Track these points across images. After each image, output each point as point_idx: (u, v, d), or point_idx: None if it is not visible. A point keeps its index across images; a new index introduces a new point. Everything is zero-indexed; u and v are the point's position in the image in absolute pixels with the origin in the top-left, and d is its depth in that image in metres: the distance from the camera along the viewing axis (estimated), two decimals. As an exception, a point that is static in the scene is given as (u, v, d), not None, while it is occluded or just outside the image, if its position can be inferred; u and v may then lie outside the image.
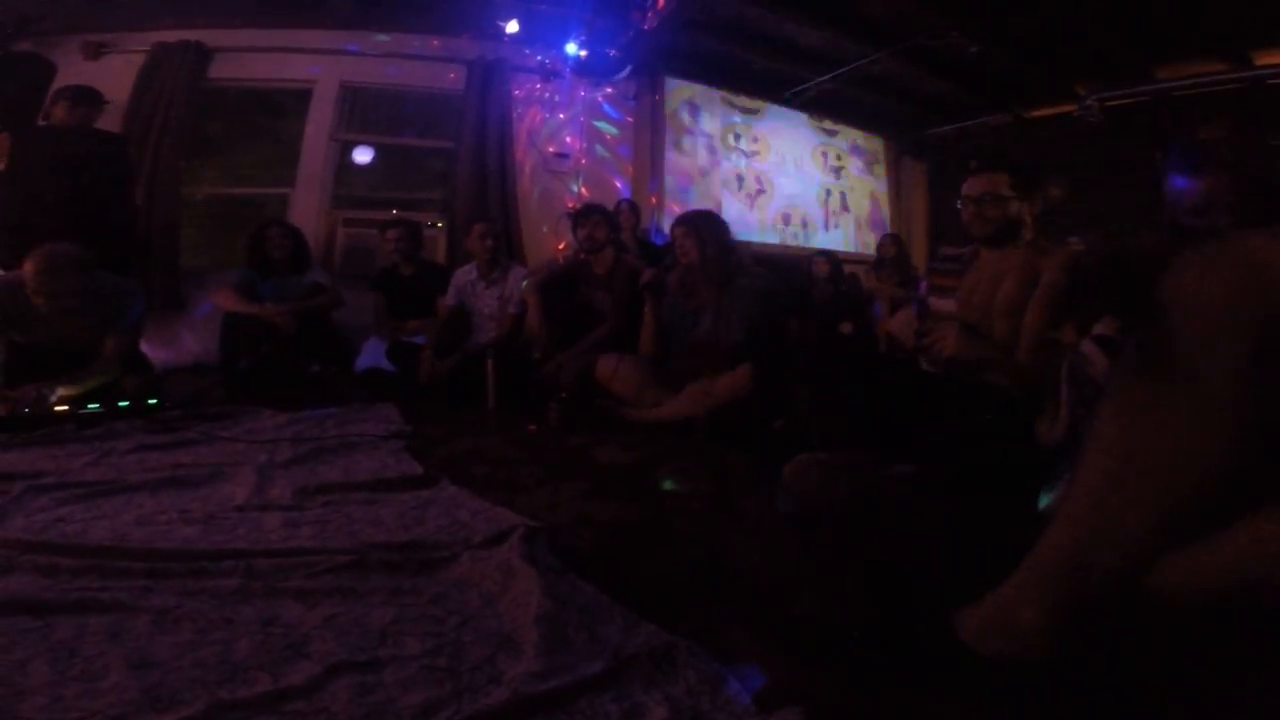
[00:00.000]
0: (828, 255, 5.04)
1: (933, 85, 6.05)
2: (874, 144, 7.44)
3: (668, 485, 1.87)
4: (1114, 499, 0.76)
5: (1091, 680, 0.84)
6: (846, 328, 4.42)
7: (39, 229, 2.89)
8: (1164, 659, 0.88)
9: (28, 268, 2.48)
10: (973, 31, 4.91)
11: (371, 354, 3.68)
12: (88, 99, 3.55)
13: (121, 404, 2.55)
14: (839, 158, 7.15)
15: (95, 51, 4.76)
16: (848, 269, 5.13)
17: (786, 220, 6.65)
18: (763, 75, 6.14)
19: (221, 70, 4.99)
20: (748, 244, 5.67)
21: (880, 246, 5.41)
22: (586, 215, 3.34)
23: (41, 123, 3.51)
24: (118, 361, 2.75)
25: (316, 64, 5.18)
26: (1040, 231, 1.98)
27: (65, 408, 2.44)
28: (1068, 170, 5.86)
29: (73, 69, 4.58)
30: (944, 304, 2.05)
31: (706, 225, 2.81)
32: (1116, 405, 0.75)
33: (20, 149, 3.24)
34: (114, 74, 4.58)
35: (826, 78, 5.95)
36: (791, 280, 5.15)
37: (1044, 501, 1.42)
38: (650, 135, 5.96)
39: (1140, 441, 0.73)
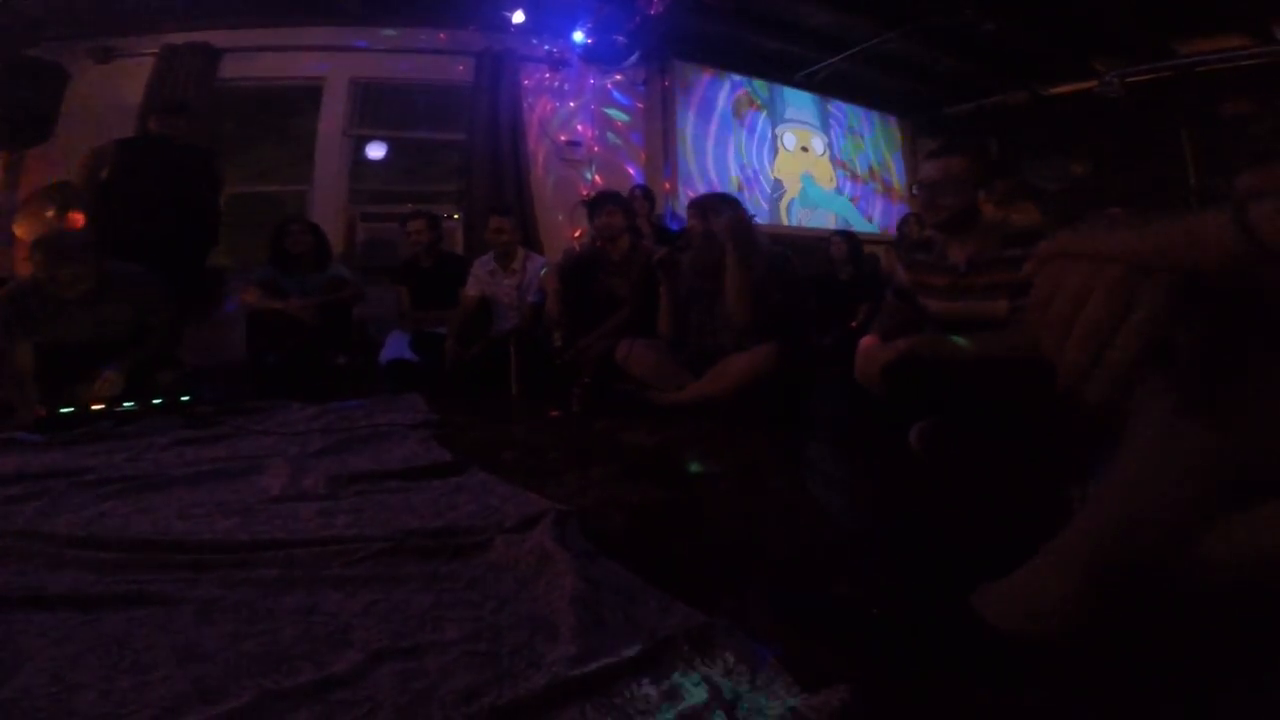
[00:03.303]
0: (845, 235, 4.99)
1: (948, 64, 5.97)
2: (887, 123, 7.36)
3: (695, 467, 1.87)
4: (1159, 481, 0.75)
5: (1114, 659, 0.83)
6: (863, 311, 4.38)
7: (138, 234, 3.06)
8: (1190, 641, 0.86)
9: (36, 258, 2.53)
10: (987, 9, 4.83)
11: (395, 346, 3.72)
12: (178, 110, 3.73)
13: (156, 401, 2.61)
14: (850, 138, 7.08)
15: (105, 56, 4.80)
16: (867, 249, 5.08)
17: (803, 201, 6.61)
18: (773, 57, 6.08)
19: (232, 70, 5.03)
20: (758, 223, 5.65)
21: (905, 225, 5.34)
22: (602, 203, 3.33)
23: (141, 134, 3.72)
24: (163, 337, 2.84)
25: (326, 61, 5.21)
26: (1001, 220, 1.88)
27: (102, 406, 2.50)
28: (1089, 147, 5.77)
29: (84, 74, 4.63)
30: (935, 304, 1.98)
31: (715, 207, 2.78)
32: (1172, 388, 0.74)
33: (122, 158, 3.41)
34: (125, 78, 4.63)
35: (839, 58, 5.89)
36: (810, 260, 5.12)
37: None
38: (661, 121, 5.94)
39: (1191, 427, 0.72)
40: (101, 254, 2.65)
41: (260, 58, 5.10)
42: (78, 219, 3.71)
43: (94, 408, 2.49)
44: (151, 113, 3.66)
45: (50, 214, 3.93)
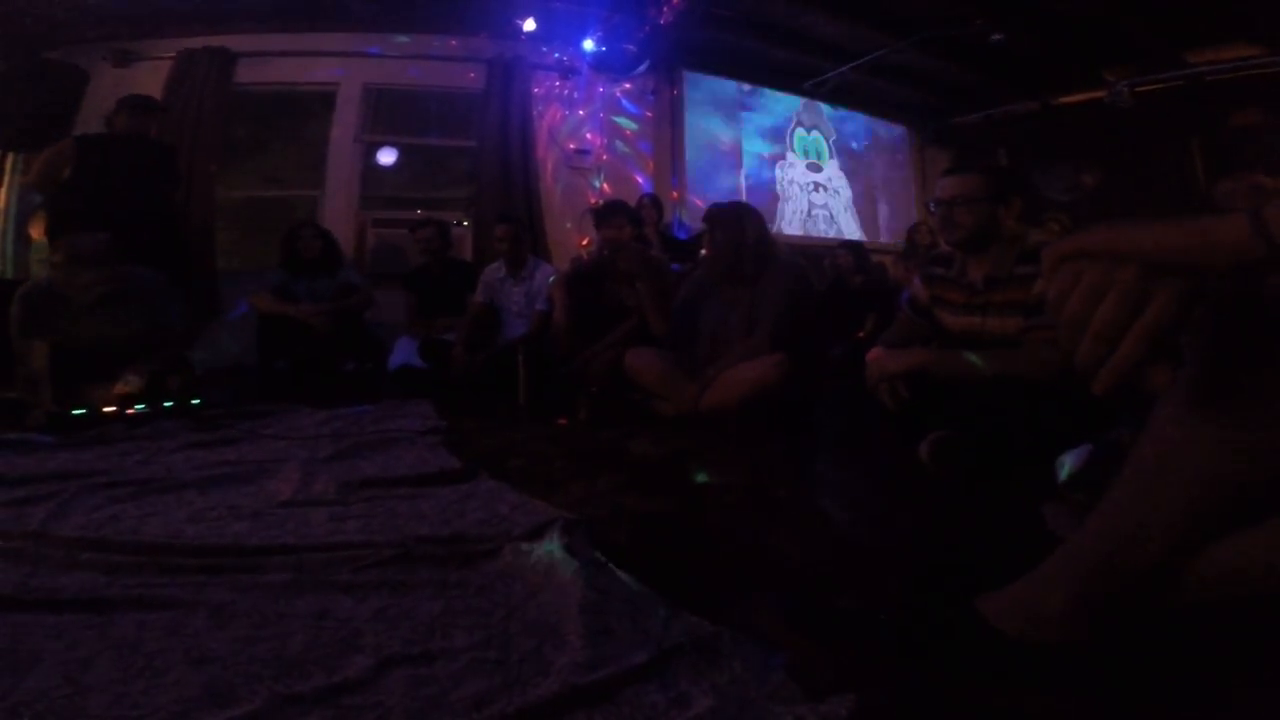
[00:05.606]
0: (850, 247, 4.98)
1: (957, 73, 5.98)
2: (896, 133, 7.36)
3: (701, 477, 1.87)
4: (1160, 494, 0.75)
5: (1118, 664, 0.84)
6: (871, 320, 4.38)
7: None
8: (1191, 646, 0.87)
9: (54, 260, 2.55)
10: (997, 18, 4.84)
11: (403, 352, 3.74)
12: (149, 108, 3.67)
13: (166, 404, 2.63)
14: (861, 147, 7.09)
15: (124, 59, 4.85)
16: (875, 258, 5.08)
17: (810, 211, 6.61)
18: (782, 67, 6.10)
19: (247, 75, 5.08)
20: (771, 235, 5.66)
21: (915, 234, 5.33)
22: (608, 216, 3.33)
23: (104, 131, 3.61)
24: (177, 342, 2.86)
25: (339, 66, 5.26)
26: (1021, 234, 1.88)
27: (113, 408, 2.52)
28: (1098, 157, 5.75)
29: (103, 76, 4.68)
30: (951, 320, 1.99)
31: (721, 218, 2.77)
32: (1175, 405, 0.74)
33: (84, 157, 3.34)
34: (143, 80, 4.66)
35: (847, 67, 5.90)
36: (817, 269, 5.12)
37: (1064, 472, 1.41)
38: (670, 130, 5.96)
39: (1197, 440, 0.72)
40: (116, 259, 2.67)
41: (275, 63, 5.15)
42: None
43: (105, 409, 2.51)
44: (121, 109, 3.56)
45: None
